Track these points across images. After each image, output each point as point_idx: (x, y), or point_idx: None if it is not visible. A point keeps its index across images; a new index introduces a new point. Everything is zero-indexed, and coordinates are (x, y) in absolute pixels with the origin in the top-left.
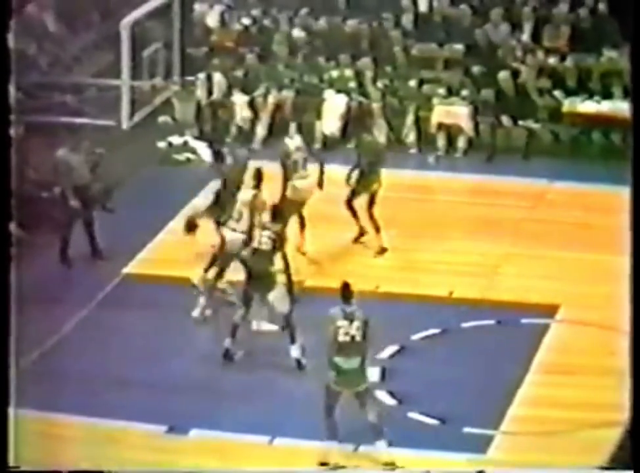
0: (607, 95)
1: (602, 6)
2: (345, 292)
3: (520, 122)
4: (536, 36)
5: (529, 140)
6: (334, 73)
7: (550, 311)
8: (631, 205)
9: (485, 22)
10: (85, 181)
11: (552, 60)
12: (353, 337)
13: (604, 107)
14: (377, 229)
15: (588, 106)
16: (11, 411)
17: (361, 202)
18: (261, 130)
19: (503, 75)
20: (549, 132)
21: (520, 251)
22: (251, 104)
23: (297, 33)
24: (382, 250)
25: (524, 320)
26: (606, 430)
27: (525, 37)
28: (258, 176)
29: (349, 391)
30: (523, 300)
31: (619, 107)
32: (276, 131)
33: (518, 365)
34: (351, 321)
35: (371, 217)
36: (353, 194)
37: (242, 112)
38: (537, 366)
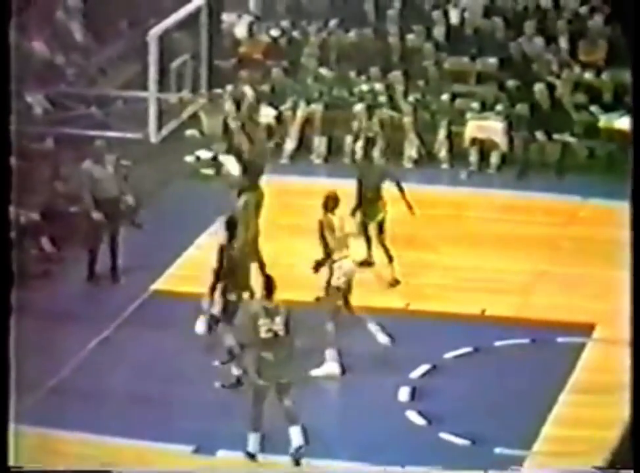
0: None
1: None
2: (268, 287)
3: (555, 136)
4: (572, 50)
5: (563, 156)
6: (365, 87)
7: (585, 330)
8: (630, 220)
9: (519, 35)
10: (113, 195)
11: (588, 75)
12: (276, 333)
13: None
14: (390, 259)
15: (625, 122)
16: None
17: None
18: (290, 144)
19: (539, 88)
20: (585, 148)
21: (554, 269)
22: (280, 118)
23: (327, 45)
24: (395, 282)
25: (559, 339)
26: None
27: (562, 50)
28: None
29: (273, 384)
30: (557, 319)
31: None
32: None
33: (553, 385)
34: (273, 317)
35: (383, 245)
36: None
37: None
38: (573, 385)
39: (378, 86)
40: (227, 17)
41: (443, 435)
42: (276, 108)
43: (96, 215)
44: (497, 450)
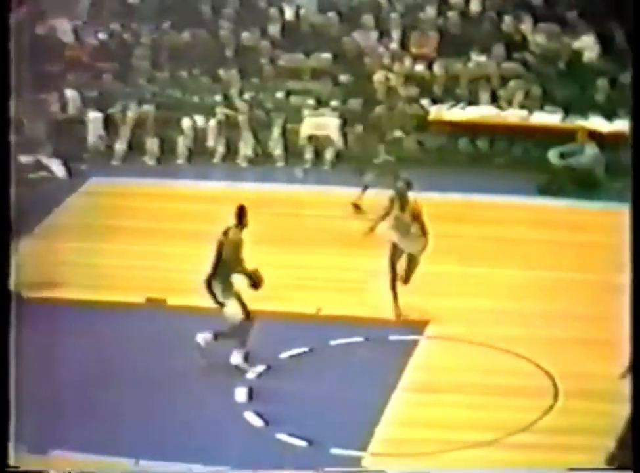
0: (474, 101)
1: (474, 7)
2: None
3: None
4: (403, 42)
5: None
6: (198, 86)
7: (418, 327)
8: (631, 222)
9: (354, 30)
10: None
11: (419, 67)
12: None
13: (470, 113)
14: None
15: (454, 113)
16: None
17: None
18: (120, 145)
19: (377, 78)
20: (415, 141)
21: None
22: (108, 120)
23: (160, 46)
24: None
25: (391, 337)
26: (475, 450)
27: (394, 44)
28: None
29: None
30: (390, 316)
31: (486, 112)
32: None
33: (386, 383)
34: None
35: None
36: None
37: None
38: (406, 384)
39: (213, 85)
40: (52, 21)
41: (280, 436)
42: (103, 110)
43: None
44: (333, 451)
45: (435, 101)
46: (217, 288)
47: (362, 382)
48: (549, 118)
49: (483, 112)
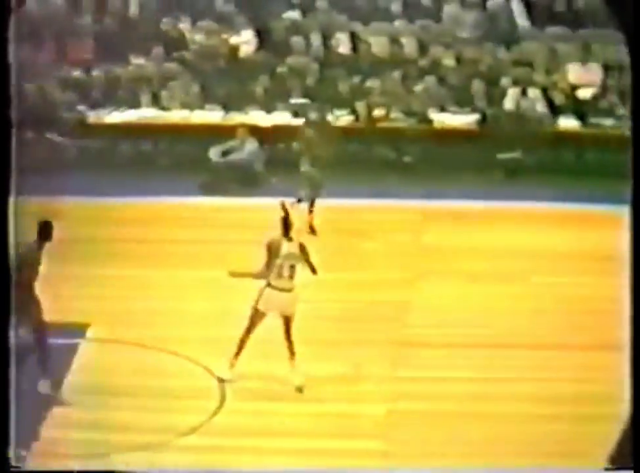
0: (135, 104)
1: (133, 10)
2: None
3: (48, 135)
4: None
5: (54, 155)
6: None
7: (80, 329)
8: (630, 224)
9: None
10: None
11: (77, 73)
12: None
13: (131, 116)
14: None
15: (114, 117)
16: None
17: None
18: None
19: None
20: (74, 146)
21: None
22: None
23: None
24: None
25: (59, 341)
26: (144, 453)
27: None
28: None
29: None
30: (56, 320)
31: (148, 114)
32: None
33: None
34: None
35: None
36: None
37: None
38: (70, 387)
39: None
40: None
41: None
42: None
43: None
44: None
45: (94, 106)
46: None
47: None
48: (210, 116)
49: (144, 114)
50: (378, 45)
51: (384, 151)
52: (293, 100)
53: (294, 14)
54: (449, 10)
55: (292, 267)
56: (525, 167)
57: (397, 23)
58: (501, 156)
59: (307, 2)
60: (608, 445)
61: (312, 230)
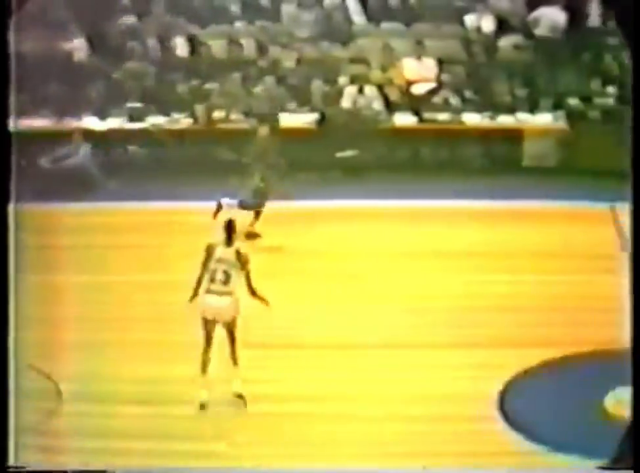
0: None
1: None
2: None
3: None
4: None
5: None
6: None
7: None
8: (631, 221)
9: None
10: None
11: None
12: None
13: None
14: None
15: None
16: None
17: None
18: None
19: None
20: None
21: None
22: None
23: None
24: None
25: None
26: None
27: None
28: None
29: None
30: None
31: None
32: None
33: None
34: None
35: None
36: None
37: None
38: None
39: None
40: None
41: None
42: None
43: None
44: None
45: None
46: None
47: None
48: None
49: None
50: (217, 46)
51: (223, 152)
52: (130, 104)
53: (129, 19)
54: (287, 9)
55: (226, 273)
56: (363, 165)
57: (236, 24)
58: (340, 154)
59: (143, 7)
60: None
61: (250, 236)
